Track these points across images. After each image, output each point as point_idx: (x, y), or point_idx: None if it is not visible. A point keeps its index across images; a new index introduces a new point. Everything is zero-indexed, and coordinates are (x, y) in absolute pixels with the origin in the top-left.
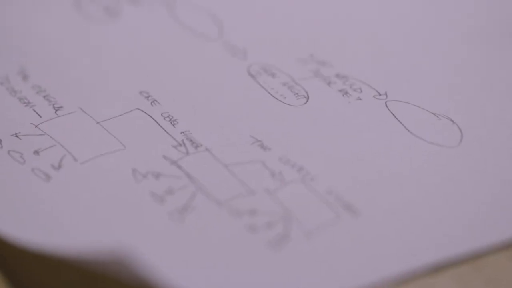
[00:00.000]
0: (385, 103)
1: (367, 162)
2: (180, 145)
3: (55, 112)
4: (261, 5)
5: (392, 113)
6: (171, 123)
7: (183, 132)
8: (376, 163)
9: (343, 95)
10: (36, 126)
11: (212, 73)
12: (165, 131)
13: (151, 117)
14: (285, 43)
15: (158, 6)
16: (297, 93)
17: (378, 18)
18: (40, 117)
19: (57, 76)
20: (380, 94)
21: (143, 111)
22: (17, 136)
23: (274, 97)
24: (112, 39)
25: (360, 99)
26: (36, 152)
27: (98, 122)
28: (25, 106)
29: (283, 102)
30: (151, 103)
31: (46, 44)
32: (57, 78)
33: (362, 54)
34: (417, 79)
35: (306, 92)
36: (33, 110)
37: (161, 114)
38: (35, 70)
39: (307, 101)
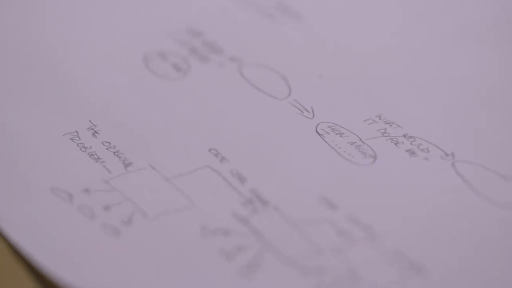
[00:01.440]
0: (452, 163)
1: (434, 223)
2: (249, 202)
3: (125, 168)
4: (330, 65)
5: (459, 173)
6: (239, 180)
7: (251, 190)
8: (443, 224)
9: (410, 155)
10: (106, 182)
11: (280, 131)
12: (234, 188)
13: (220, 174)
14: (353, 103)
15: (227, 63)
16: (364, 153)
17: (444, 78)
18: (110, 173)
19: (127, 132)
20: (447, 155)
21: (212, 168)
22: (87, 192)
23: (342, 156)
24: (181, 96)
25: (427, 159)
26: (106, 208)
27: (167, 179)
28: (95, 162)
29: (350, 161)
30: (220, 160)
31: (116, 100)
32: (126, 134)
33: (429, 115)
34: (484, 139)
35: (374, 151)
36: (103, 166)
37: (230, 172)
38: (105, 126)
39: (374, 161)
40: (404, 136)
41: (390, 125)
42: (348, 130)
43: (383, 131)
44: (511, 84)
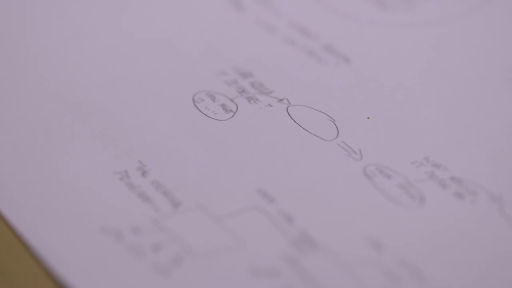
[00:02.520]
0: (500, 207)
1: (482, 266)
2: (297, 243)
3: (174, 208)
4: (377, 107)
5: (507, 217)
6: (288, 221)
7: (299, 230)
8: (491, 268)
9: (458, 198)
10: (155, 222)
11: (328, 172)
12: (282, 228)
13: (268, 214)
14: (400, 145)
15: (275, 104)
16: (412, 195)
17: (490, 120)
18: (159, 212)
19: (176, 172)
20: (494, 198)
21: (261, 208)
22: (136, 231)
23: (390, 199)
24: (230, 136)
25: (475, 202)
26: (155, 247)
27: (216, 219)
28: (144, 201)
29: (398, 203)
30: (268, 201)
31: (165, 140)
32: (175, 174)
33: (476, 157)
34: None
35: (422, 194)
36: (152, 205)
37: (278, 212)
38: (154, 165)
39: (422, 204)
40: (452, 178)
41: (438, 168)
42: (395, 172)
43: (430, 173)
44: None
